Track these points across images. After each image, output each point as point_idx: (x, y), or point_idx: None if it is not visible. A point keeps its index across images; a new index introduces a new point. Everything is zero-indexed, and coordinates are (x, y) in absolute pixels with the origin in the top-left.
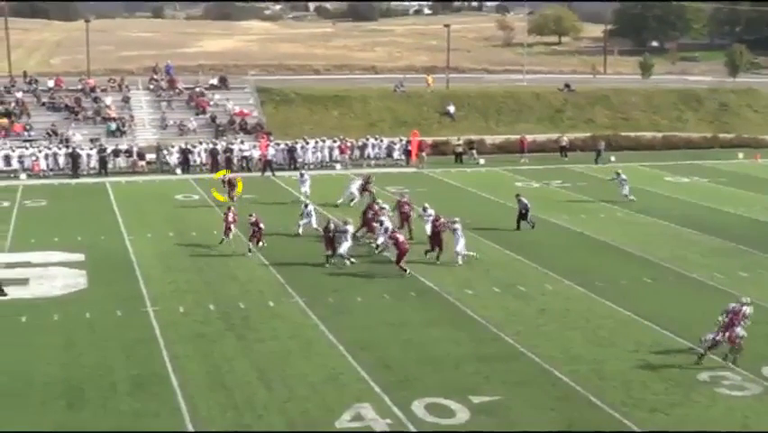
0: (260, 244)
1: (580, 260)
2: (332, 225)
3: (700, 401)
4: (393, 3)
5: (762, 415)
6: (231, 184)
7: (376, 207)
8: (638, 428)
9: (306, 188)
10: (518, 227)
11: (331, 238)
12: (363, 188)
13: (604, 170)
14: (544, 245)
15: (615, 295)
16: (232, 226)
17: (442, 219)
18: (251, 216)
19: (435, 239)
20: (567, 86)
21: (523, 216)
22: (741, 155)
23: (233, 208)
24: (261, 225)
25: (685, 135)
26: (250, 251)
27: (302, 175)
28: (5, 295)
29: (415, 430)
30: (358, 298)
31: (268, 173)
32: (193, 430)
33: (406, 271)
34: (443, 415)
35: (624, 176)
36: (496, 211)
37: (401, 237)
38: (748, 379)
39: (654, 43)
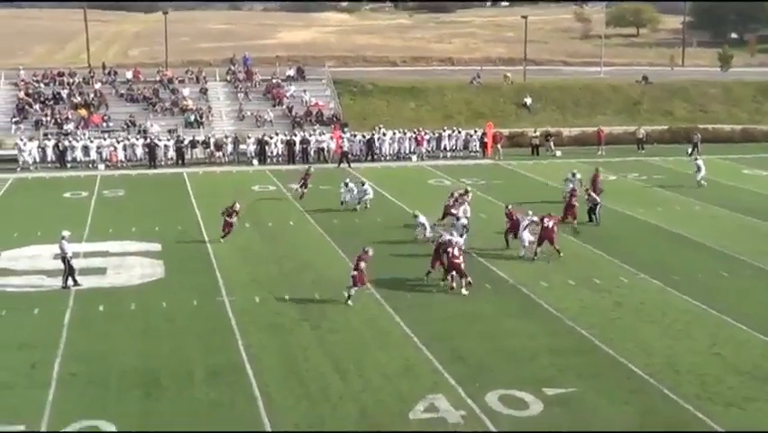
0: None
1: (656, 253)
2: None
3: None
4: None
5: None
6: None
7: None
8: (713, 421)
9: (361, 195)
10: (591, 219)
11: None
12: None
13: (687, 163)
14: (619, 238)
15: (690, 288)
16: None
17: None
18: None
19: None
20: (645, 78)
21: (591, 209)
22: None
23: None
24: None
25: (764, 128)
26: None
27: (347, 185)
28: (80, 285)
29: (488, 421)
30: (433, 289)
31: (344, 165)
32: (267, 420)
33: (444, 281)
34: (516, 407)
35: (700, 162)
36: None
37: (456, 251)
38: None
39: (734, 35)
